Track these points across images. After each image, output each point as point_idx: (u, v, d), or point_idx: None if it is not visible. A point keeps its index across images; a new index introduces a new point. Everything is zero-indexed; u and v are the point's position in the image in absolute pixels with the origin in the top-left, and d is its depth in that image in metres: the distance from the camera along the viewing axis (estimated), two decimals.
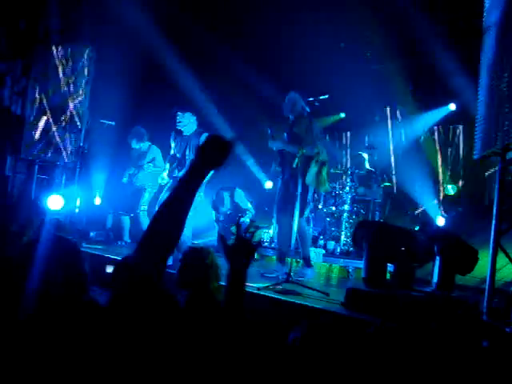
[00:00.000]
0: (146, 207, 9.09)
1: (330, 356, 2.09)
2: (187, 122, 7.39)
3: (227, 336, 2.16)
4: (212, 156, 2.09)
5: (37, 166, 10.33)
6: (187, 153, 7.38)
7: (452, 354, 3.93)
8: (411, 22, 9.79)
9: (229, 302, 2.19)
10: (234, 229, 7.45)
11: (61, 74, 10.70)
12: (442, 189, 9.65)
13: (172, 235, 2.01)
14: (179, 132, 7.49)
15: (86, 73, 10.66)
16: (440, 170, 9.88)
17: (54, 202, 9.00)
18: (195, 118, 7.49)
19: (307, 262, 6.93)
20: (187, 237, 7.06)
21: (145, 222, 8.99)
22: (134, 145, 9.36)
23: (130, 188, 9.29)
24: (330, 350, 2.11)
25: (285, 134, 6.98)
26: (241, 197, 9.54)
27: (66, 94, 10.45)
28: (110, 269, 4.93)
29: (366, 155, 9.40)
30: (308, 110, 6.88)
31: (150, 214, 9.06)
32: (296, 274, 6.60)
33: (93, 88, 10.65)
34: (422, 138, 10.31)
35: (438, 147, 10.12)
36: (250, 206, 9.67)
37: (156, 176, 9.04)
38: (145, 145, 9.39)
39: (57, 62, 10.77)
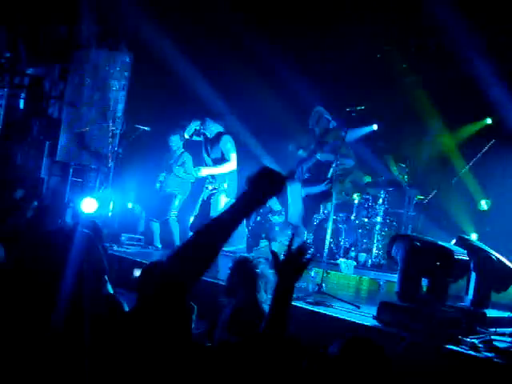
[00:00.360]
0: (176, 213, 9.13)
1: (369, 371, 2.07)
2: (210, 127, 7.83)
3: (268, 350, 2.15)
4: (265, 191, 2.07)
5: (71, 169, 10.48)
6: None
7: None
8: (450, 34, 9.71)
9: (274, 315, 2.19)
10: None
11: (98, 79, 10.85)
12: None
13: (209, 254, 2.00)
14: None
15: (123, 77, 10.79)
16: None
17: (88, 205, 9.10)
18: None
19: None
20: None
21: (175, 227, 9.03)
22: (173, 142, 9.33)
23: (162, 193, 9.34)
24: (369, 365, 2.08)
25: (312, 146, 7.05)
26: (273, 199, 9.49)
27: (103, 99, 10.58)
28: (137, 272, 4.96)
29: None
30: (335, 123, 6.98)
31: (181, 220, 9.10)
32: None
33: (129, 93, 10.77)
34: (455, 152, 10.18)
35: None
36: (280, 207, 9.61)
37: (186, 182, 9.10)
38: (179, 145, 9.41)
39: (94, 66, 10.92)
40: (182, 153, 9.43)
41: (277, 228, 9.32)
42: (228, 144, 7.84)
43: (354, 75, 10.16)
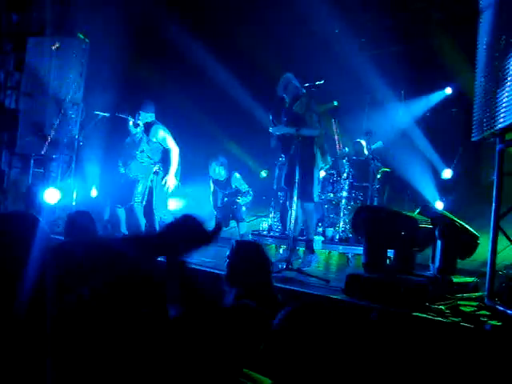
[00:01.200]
0: (139, 198, 9.00)
1: (316, 340, 2.02)
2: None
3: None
4: (181, 243, 1.91)
5: (32, 160, 10.27)
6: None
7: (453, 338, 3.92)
8: (405, 6, 9.77)
9: None
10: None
11: (55, 67, 10.62)
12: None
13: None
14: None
15: (80, 64, 10.58)
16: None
17: (51, 196, 8.96)
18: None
19: (311, 249, 6.86)
20: None
21: (140, 213, 8.92)
22: (133, 129, 9.11)
23: (125, 179, 9.17)
24: (315, 335, 2.04)
25: (283, 118, 6.93)
26: (239, 180, 9.46)
27: (61, 87, 10.37)
28: None
29: (364, 142, 9.37)
30: (303, 90, 6.87)
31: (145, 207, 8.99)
32: (299, 260, 6.61)
33: (87, 80, 10.58)
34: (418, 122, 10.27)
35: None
36: (248, 188, 9.56)
37: (148, 167, 8.98)
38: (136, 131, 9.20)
39: (50, 54, 10.67)
40: (141, 138, 9.23)
41: (244, 208, 9.30)
42: (161, 132, 7.79)
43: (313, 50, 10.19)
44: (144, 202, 8.11)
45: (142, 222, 8.40)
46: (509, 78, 4.20)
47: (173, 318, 2.13)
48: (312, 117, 6.56)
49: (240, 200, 9.23)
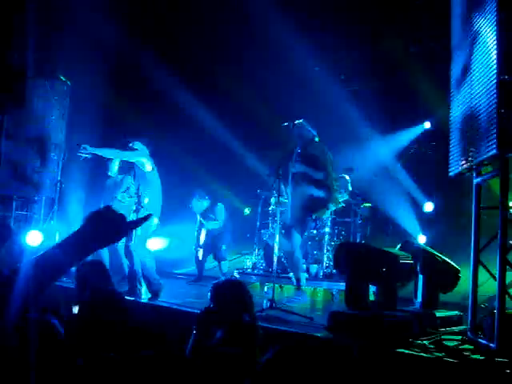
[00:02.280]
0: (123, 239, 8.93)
1: (300, 379, 2.05)
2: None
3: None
4: (99, 232, 1.87)
5: (14, 203, 10.23)
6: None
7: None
8: (383, 44, 9.96)
9: None
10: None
11: (37, 108, 10.66)
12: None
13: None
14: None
15: (61, 106, 10.63)
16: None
17: (33, 238, 8.90)
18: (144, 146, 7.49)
19: (299, 286, 6.97)
20: (150, 267, 6.99)
21: (122, 253, 8.86)
22: (111, 173, 9.10)
23: None
24: (300, 374, 2.06)
25: (295, 164, 7.09)
26: (220, 210, 9.67)
27: (42, 128, 10.40)
28: (75, 309, 4.66)
29: (347, 177, 9.43)
30: (315, 133, 7.09)
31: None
32: (288, 298, 6.67)
33: (68, 121, 10.62)
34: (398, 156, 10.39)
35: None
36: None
37: (130, 207, 8.94)
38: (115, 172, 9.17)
39: (32, 96, 10.72)
40: (123, 178, 9.19)
41: (224, 247, 9.34)
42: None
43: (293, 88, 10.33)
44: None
45: (125, 261, 8.34)
46: (482, 114, 4.29)
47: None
48: (325, 160, 6.76)
49: (208, 225, 9.42)
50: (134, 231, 7.24)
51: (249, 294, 3.96)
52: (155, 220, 7.32)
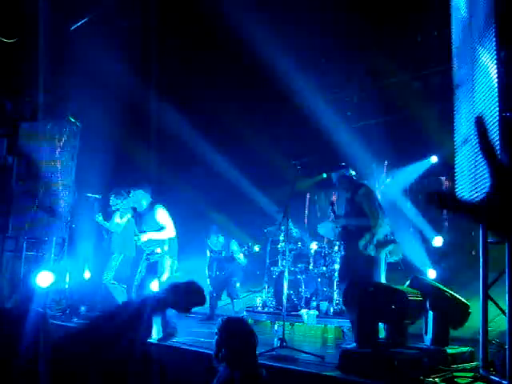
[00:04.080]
0: (111, 274, 8.95)
1: None
2: (137, 199, 7.54)
3: None
4: (183, 302, 2.07)
5: (25, 243, 10.29)
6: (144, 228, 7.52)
7: None
8: (387, 80, 10.10)
9: None
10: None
11: (47, 150, 10.80)
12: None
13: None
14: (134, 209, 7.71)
15: (71, 147, 10.77)
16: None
17: (44, 279, 8.92)
18: (147, 194, 7.59)
19: None
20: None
21: (113, 291, 8.85)
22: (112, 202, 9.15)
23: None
24: None
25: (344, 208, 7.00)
26: (236, 247, 9.67)
27: (52, 170, 10.52)
28: None
29: None
30: (354, 173, 6.95)
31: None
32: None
33: (78, 162, 10.74)
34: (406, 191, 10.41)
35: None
36: (243, 259, 9.72)
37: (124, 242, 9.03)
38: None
39: (42, 137, 10.88)
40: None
41: (238, 285, 9.33)
42: (161, 213, 7.67)
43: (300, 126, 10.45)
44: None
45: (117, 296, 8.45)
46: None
47: None
48: (371, 208, 6.62)
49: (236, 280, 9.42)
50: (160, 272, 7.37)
51: (252, 331, 3.91)
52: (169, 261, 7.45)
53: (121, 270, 9.06)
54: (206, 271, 9.87)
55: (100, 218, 9.19)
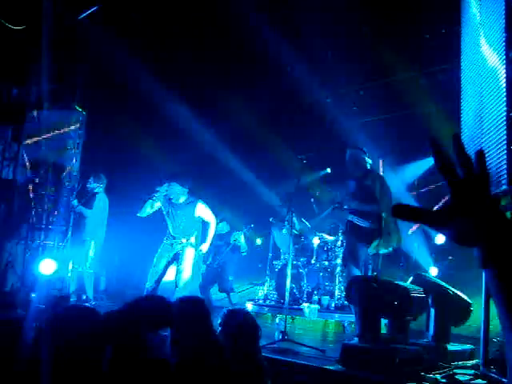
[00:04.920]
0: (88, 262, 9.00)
1: None
2: (176, 191, 7.57)
3: None
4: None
5: (29, 232, 10.33)
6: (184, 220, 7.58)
7: None
8: (395, 77, 10.09)
9: None
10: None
11: (52, 138, 10.83)
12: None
13: None
14: (169, 200, 7.68)
15: (77, 136, 10.80)
16: None
17: (47, 267, 8.96)
18: (185, 187, 7.64)
19: None
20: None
21: (88, 279, 8.92)
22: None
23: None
24: None
25: (350, 193, 6.95)
26: (243, 238, 9.67)
27: (58, 158, 10.55)
28: None
29: None
30: (371, 162, 6.91)
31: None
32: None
33: (84, 150, 10.77)
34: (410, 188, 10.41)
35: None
36: (243, 241, 9.71)
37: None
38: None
39: (48, 126, 10.91)
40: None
41: (230, 278, 9.31)
42: (202, 209, 7.71)
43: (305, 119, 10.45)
44: None
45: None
46: (492, 150, 4.35)
47: None
48: (383, 193, 6.61)
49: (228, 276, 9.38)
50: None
51: (255, 324, 3.92)
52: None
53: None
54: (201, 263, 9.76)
55: (75, 203, 9.15)
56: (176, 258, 7.53)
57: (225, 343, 3.73)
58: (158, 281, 7.36)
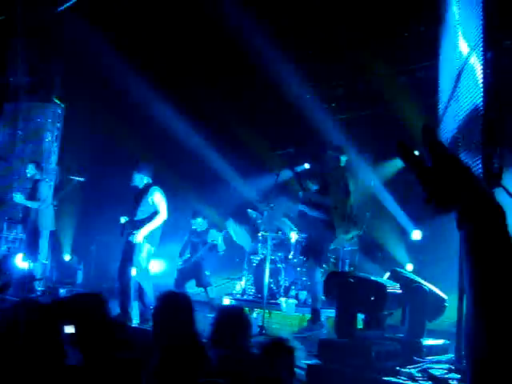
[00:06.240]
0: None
1: None
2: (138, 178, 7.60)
3: None
4: None
5: (5, 224, 10.25)
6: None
7: None
8: (373, 74, 10.17)
9: None
10: None
11: (30, 131, 10.75)
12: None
13: None
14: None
15: (55, 128, 10.73)
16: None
17: (23, 261, 8.91)
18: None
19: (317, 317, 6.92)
20: (150, 293, 7.08)
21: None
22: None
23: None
24: None
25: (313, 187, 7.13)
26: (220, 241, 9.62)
27: (36, 151, 10.48)
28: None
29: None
30: (345, 158, 7.10)
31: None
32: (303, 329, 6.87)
33: (62, 143, 10.71)
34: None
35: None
36: (220, 242, 9.67)
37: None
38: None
39: (26, 118, 10.82)
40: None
41: (207, 272, 9.28)
42: (158, 195, 7.59)
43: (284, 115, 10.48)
44: None
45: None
46: (468, 150, 4.42)
47: None
48: (339, 186, 6.79)
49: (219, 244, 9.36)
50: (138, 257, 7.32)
51: (249, 320, 3.97)
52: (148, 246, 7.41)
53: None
54: (178, 258, 9.69)
55: (18, 197, 8.95)
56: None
57: (219, 338, 3.77)
58: None
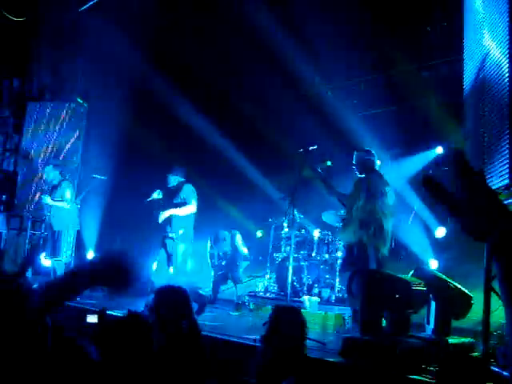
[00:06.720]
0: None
1: None
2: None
3: None
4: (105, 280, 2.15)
5: (30, 222, 10.37)
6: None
7: None
8: (396, 69, 10.09)
9: None
10: None
11: (53, 130, 10.84)
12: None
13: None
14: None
15: (78, 127, 10.81)
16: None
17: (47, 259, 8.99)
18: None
19: None
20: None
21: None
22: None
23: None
24: None
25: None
26: (240, 240, 9.61)
27: (58, 150, 10.57)
28: (91, 318, 4.81)
29: None
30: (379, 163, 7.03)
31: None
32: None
33: (85, 143, 10.79)
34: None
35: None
36: (246, 252, 9.70)
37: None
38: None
39: (49, 117, 10.92)
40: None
41: (241, 270, 9.34)
42: (190, 190, 7.91)
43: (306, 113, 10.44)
44: None
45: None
46: (494, 144, 4.36)
47: None
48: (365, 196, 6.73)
49: (240, 264, 9.39)
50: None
51: (305, 322, 3.97)
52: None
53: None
54: (208, 259, 9.83)
55: (47, 198, 8.90)
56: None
57: (272, 337, 3.78)
58: None
